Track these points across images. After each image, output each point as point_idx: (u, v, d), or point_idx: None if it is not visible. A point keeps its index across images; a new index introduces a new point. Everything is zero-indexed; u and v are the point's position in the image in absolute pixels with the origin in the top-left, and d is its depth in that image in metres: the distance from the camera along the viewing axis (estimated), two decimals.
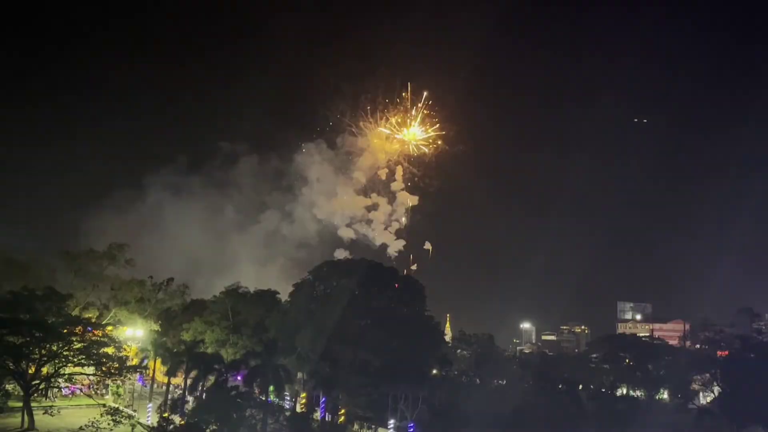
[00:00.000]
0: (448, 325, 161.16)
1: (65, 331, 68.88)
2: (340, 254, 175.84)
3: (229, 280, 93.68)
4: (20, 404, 67.50)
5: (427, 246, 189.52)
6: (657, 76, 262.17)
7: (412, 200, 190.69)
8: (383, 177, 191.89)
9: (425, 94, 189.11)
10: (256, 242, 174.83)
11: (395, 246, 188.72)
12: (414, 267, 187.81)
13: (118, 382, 78.44)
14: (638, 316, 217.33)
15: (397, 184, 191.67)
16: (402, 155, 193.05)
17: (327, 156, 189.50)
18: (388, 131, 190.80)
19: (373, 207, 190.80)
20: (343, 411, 72.31)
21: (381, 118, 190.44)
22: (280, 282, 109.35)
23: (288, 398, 74.40)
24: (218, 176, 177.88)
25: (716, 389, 79.68)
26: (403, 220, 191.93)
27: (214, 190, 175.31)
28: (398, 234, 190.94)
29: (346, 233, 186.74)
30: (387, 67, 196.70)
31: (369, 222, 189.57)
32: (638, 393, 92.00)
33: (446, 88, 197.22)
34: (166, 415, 62.82)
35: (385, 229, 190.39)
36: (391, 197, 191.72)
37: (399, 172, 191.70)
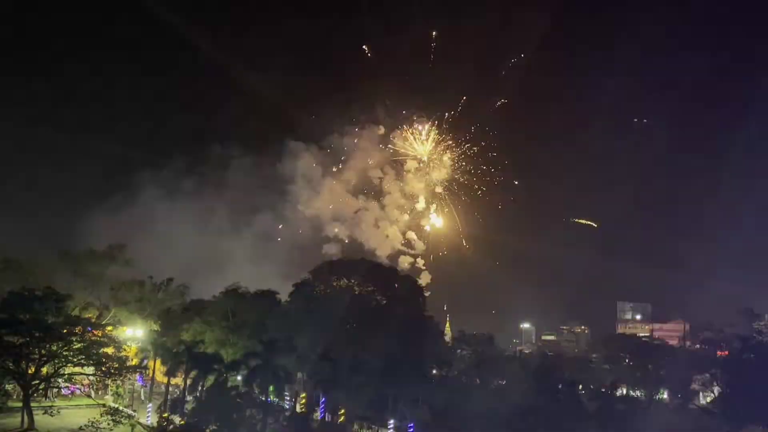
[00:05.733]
0: (448, 325, 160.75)
1: (65, 331, 68.75)
2: (330, 249, 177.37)
3: (226, 280, 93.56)
4: (20, 404, 67.53)
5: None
6: (657, 75, 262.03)
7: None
8: (375, 178, 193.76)
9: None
10: (251, 242, 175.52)
11: (386, 247, 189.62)
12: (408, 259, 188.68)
13: (118, 382, 78.45)
14: (638, 316, 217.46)
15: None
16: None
17: (320, 158, 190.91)
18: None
19: (365, 207, 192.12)
20: (343, 411, 72.32)
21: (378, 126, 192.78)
22: (276, 281, 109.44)
23: (288, 398, 74.42)
24: (214, 177, 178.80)
25: (716, 389, 79.63)
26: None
27: (209, 191, 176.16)
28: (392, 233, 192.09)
29: (337, 232, 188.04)
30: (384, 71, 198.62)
31: (360, 222, 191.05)
32: (638, 393, 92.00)
33: (443, 87, 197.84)
34: (166, 415, 62.90)
35: (382, 232, 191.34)
36: (381, 199, 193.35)
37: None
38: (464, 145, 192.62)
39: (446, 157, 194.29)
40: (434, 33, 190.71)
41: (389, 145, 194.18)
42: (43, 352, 66.79)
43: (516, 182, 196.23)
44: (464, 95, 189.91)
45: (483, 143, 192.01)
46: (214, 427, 56.60)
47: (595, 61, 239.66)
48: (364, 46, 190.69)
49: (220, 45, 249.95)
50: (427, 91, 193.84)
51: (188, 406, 67.07)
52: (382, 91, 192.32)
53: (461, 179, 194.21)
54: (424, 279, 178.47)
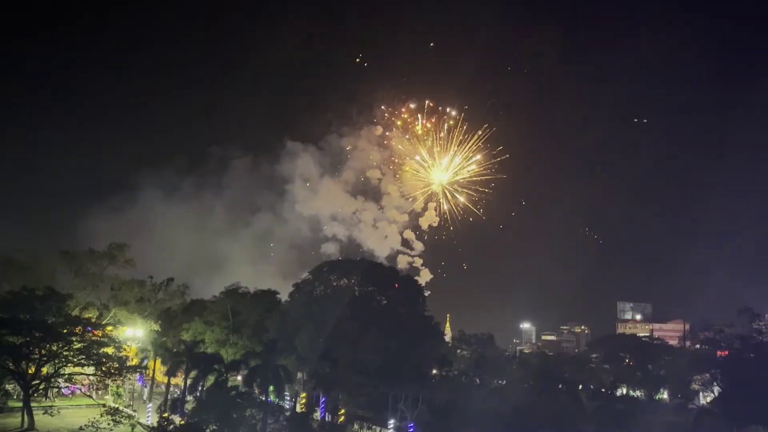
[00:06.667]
0: (448, 325, 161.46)
1: (65, 331, 68.84)
2: (328, 248, 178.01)
3: (225, 280, 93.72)
4: (20, 404, 67.57)
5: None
6: (657, 75, 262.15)
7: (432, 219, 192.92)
8: (374, 179, 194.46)
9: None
10: (250, 243, 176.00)
11: (384, 247, 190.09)
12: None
13: (118, 382, 78.44)
14: (638, 316, 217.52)
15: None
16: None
17: (319, 158, 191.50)
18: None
19: (363, 208, 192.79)
20: (343, 411, 72.30)
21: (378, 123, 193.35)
22: (276, 281, 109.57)
23: (288, 398, 74.37)
24: (214, 178, 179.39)
25: (716, 389, 79.52)
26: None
27: (209, 191, 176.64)
28: (391, 234, 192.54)
29: (336, 232, 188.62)
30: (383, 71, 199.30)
31: (358, 222, 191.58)
32: (638, 393, 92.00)
33: (445, 87, 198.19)
34: (166, 415, 62.81)
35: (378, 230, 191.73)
36: (380, 200, 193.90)
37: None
38: (464, 148, 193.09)
39: (445, 160, 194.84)
40: (431, 44, 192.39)
41: (386, 147, 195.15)
42: (43, 352, 66.80)
43: (523, 202, 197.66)
44: (463, 99, 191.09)
45: (481, 146, 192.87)
46: (214, 427, 56.45)
47: (595, 62, 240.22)
48: (360, 55, 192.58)
49: (221, 47, 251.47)
50: (424, 94, 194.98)
51: (188, 406, 67.02)
52: (380, 95, 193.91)
53: (461, 187, 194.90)
54: (424, 278, 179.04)
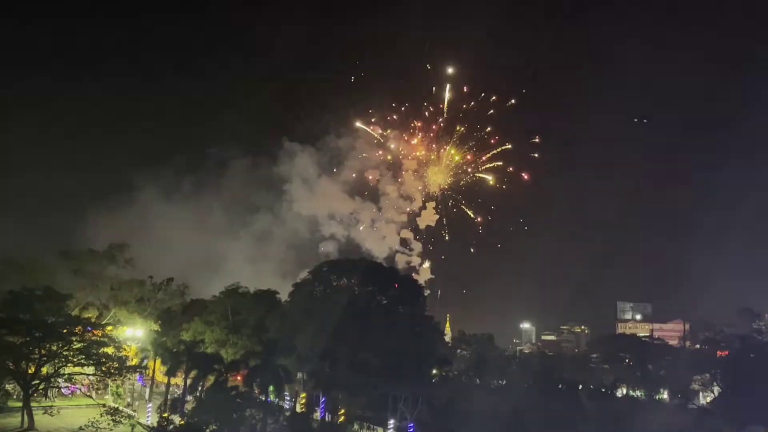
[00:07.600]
0: (448, 325, 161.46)
1: (65, 331, 68.79)
2: (327, 247, 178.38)
3: (225, 280, 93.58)
4: (20, 404, 67.55)
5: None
6: (657, 76, 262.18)
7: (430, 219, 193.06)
8: (372, 179, 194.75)
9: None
10: (250, 242, 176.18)
11: (383, 247, 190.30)
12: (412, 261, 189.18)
13: (118, 382, 78.43)
14: (638, 316, 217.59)
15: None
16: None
17: (317, 159, 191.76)
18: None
19: (361, 208, 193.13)
20: (343, 411, 72.26)
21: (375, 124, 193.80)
22: (275, 281, 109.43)
23: (288, 398, 74.38)
24: (213, 178, 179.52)
25: (716, 389, 79.60)
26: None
27: (208, 192, 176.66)
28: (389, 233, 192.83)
29: (334, 231, 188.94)
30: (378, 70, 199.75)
31: (356, 222, 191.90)
32: (638, 393, 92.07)
33: (443, 88, 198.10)
34: (166, 415, 62.81)
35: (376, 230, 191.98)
36: (378, 200, 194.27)
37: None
38: (463, 149, 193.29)
39: (443, 161, 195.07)
40: (428, 66, 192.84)
41: (384, 148, 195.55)
42: (43, 352, 66.76)
43: (524, 222, 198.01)
44: (462, 101, 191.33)
45: (480, 145, 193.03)
46: (214, 427, 56.46)
47: (595, 62, 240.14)
48: (358, 62, 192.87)
49: (220, 48, 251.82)
50: (422, 96, 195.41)
51: (188, 406, 67.02)
52: (378, 97, 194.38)
53: (459, 189, 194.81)
54: (423, 277, 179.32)
